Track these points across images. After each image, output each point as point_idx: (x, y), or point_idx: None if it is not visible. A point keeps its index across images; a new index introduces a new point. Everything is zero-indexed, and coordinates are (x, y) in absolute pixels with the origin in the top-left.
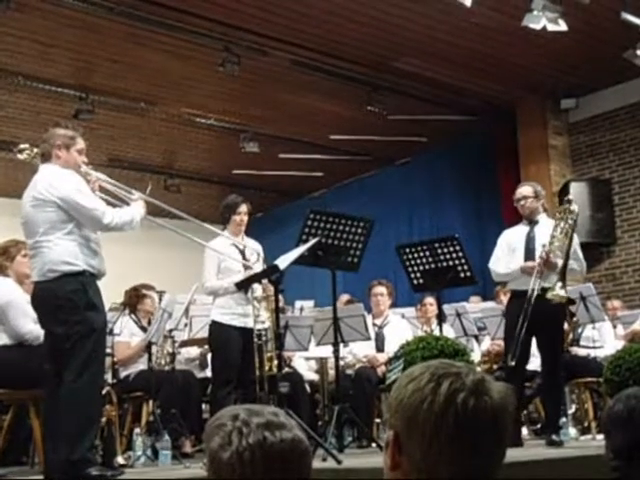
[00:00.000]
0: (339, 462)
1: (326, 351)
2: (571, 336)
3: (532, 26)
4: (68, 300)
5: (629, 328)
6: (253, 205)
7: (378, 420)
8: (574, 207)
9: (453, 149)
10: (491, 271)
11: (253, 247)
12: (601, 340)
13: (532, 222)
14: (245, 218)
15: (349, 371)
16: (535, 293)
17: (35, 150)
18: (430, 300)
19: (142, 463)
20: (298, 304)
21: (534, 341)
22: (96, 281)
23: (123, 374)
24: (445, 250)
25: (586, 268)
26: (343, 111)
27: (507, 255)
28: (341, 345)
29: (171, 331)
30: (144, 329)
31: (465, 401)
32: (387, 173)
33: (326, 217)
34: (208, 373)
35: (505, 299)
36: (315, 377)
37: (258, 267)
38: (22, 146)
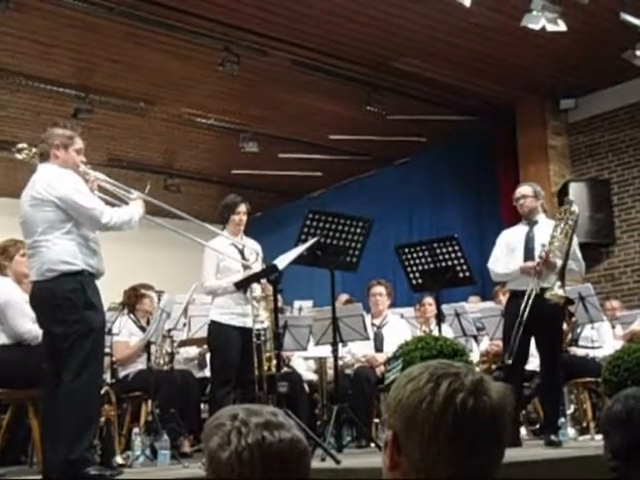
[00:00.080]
0: (338, 462)
1: (325, 351)
2: (570, 336)
3: (531, 26)
4: (67, 299)
5: (628, 328)
6: (252, 205)
7: (377, 420)
8: (574, 208)
9: (452, 149)
10: (490, 271)
11: (252, 247)
12: (600, 340)
13: (531, 222)
14: (244, 218)
15: (348, 371)
16: (534, 293)
17: (34, 150)
18: (429, 300)
19: (141, 463)
20: (297, 304)
21: (533, 341)
22: (95, 281)
23: (122, 374)
24: (444, 250)
25: (585, 268)
26: (343, 111)
27: (506, 255)
28: (340, 345)
29: (170, 331)
30: (143, 329)
31: (464, 401)
32: (386, 173)
33: (325, 217)
34: (207, 373)
35: (504, 299)
36: (314, 377)
37: (257, 267)
38: (20, 146)
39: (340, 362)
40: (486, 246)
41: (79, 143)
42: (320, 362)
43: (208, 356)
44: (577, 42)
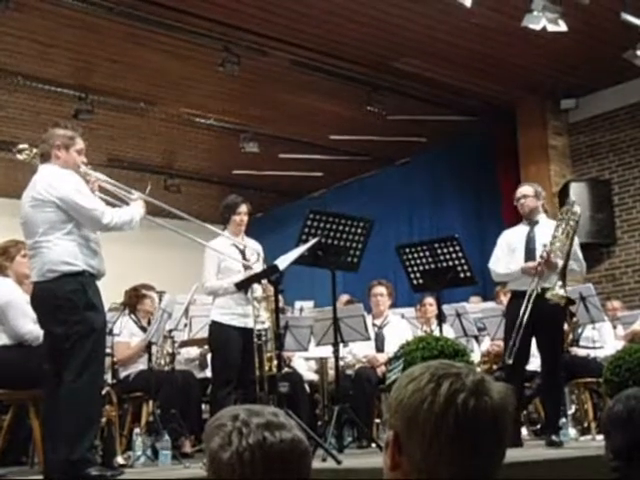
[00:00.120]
0: (339, 462)
1: (326, 351)
2: (571, 336)
3: (532, 26)
4: (67, 300)
5: (629, 328)
6: (253, 205)
7: (378, 420)
8: (576, 208)
9: (453, 149)
10: (491, 271)
11: (253, 247)
12: (601, 340)
13: (532, 222)
14: (245, 218)
15: (349, 371)
16: (535, 293)
17: (34, 150)
18: (430, 300)
19: (142, 463)
20: (298, 304)
21: (534, 341)
22: (96, 281)
23: (123, 374)
24: (445, 250)
25: (586, 269)
26: (343, 111)
27: (507, 255)
28: (341, 345)
29: (171, 331)
30: (144, 329)
31: (465, 401)
32: (387, 173)
33: (326, 217)
34: (208, 373)
35: (505, 299)
36: (315, 377)
37: (258, 267)
38: (21, 146)
39: (341, 362)
40: (487, 246)
41: (80, 144)
42: (321, 362)
43: (209, 356)
44: (578, 42)
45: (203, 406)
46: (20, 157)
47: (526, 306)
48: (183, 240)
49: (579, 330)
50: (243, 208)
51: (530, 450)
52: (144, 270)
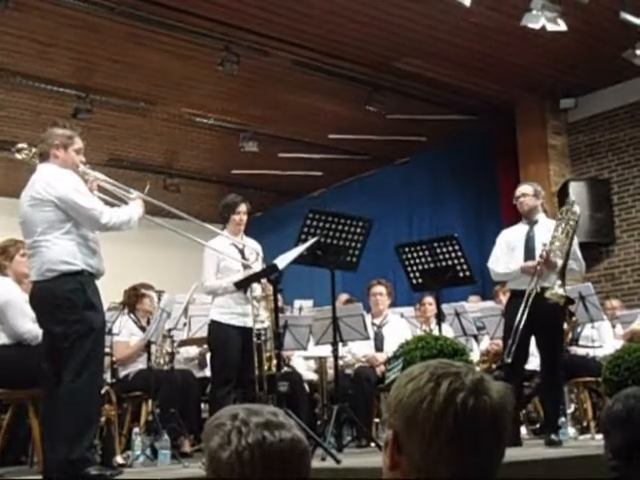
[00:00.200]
0: (338, 462)
1: (325, 350)
2: (570, 335)
3: (531, 26)
4: (66, 299)
5: (628, 328)
6: (252, 205)
7: (377, 420)
8: (576, 208)
9: (452, 149)
10: (490, 270)
11: (252, 247)
12: (600, 340)
13: (531, 221)
14: (244, 218)
15: (348, 371)
16: (534, 293)
17: (33, 150)
18: (429, 300)
19: (141, 462)
20: (297, 303)
21: (533, 340)
22: (95, 280)
23: (122, 374)
24: (444, 249)
25: (585, 268)
26: (342, 111)
27: (506, 254)
28: (340, 345)
29: (170, 330)
30: (143, 329)
31: (464, 401)
32: (386, 173)
33: (325, 217)
34: (207, 373)
35: (504, 299)
36: (314, 376)
37: (257, 267)
38: (20, 146)
39: (340, 362)
40: (486, 245)
41: (79, 143)
42: (320, 362)
43: (208, 356)
44: (577, 41)
45: (202, 405)
46: (19, 156)
47: (525, 305)
48: (182, 239)
49: (578, 329)
50: (242, 207)
51: (529, 449)
52: (143, 269)
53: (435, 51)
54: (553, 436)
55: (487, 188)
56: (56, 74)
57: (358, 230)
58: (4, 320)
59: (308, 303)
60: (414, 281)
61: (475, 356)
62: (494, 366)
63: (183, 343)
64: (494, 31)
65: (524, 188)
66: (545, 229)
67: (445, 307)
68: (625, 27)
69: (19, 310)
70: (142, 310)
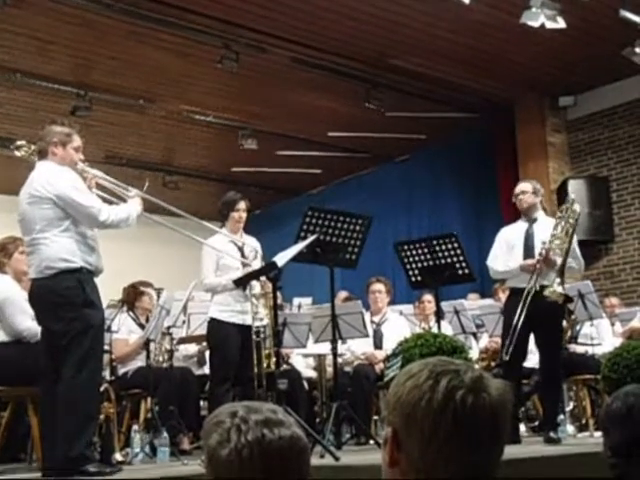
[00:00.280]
0: (337, 459)
1: (324, 348)
2: (569, 333)
3: (530, 23)
4: (65, 297)
5: (627, 325)
6: (251, 202)
7: (376, 417)
8: (576, 206)
9: (452, 146)
10: (489, 268)
11: (251, 244)
12: (599, 337)
13: (531, 219)
14: (244, 215)
15: (347, 368)
16: (533, 291)
17: (32, 147)
18: (428, 297)
19: (140, 460)
20: (296, 301)
21: (532, 338)
22: (93, 278)
23: (121, 371)
24: (443, 247)
25: (584, 266)
26: (342, 108)
27: (505, 252)
28: (339, 342)
29: (169, 328)
30: (142, 326)
31: (464, 398)
32: (386, 170)
33: (324, 214)
34: (206, 370)
35: (503, 296)
36: (313, 374)
37: (256, 264)
38: (19, 143)
39: (339, 359)
40: (485, 243)
41: (77, 141)
42: (319, 359)
43: (207, 353)
44: (576, 39)
45: (201, 403)
46: (18, 154)
47: (524, 303)
48: (181, 237)
49: (577, 327)
50: (242, 205)
51: (528, 447)
52: (142, 267)
53: (434, 48)
54: (552, 434)
55: (486, 186)
56: (55, 71)
57: (357, 228)
58: (3, 318)
59: (307, 301)
60: (413, 279)
61: (474, 354)
62: (493, 364)
63: (182, 341)
64: (493, 28)
65: (523, 186)
66: (544, 227)
67: (444, 305)
68: (624, 25)
69: (18, 307)
70: (141, 308)
